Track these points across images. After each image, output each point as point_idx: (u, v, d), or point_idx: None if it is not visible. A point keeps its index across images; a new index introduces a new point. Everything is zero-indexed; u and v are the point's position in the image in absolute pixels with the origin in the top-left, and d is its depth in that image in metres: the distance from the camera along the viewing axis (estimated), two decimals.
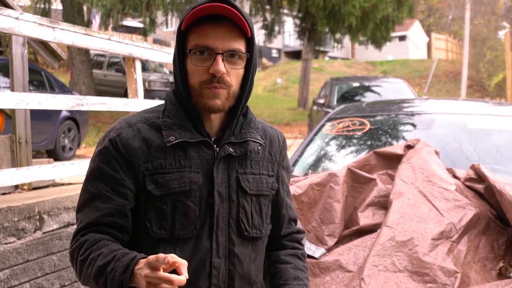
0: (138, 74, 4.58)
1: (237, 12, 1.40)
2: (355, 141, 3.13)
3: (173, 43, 26.07)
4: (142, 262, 1.29)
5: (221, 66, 1.41)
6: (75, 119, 9.39)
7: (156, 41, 24.10)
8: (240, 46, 1.44)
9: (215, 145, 1.48)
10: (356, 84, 12.97)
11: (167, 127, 1.46)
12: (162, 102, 1.59)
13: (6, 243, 3.08)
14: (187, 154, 1.45)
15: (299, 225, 1.77)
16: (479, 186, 2.22)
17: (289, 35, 31.73)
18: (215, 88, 1.42)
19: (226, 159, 1.49)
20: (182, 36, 1.46)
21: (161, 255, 1.23)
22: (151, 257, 1.26)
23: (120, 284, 1.30)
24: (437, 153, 2.45)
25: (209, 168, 1.46)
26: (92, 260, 1.37)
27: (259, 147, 1.55)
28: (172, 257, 1.23)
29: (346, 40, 19.19)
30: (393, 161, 2.47)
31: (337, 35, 16.82)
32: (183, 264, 1.23)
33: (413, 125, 3.25)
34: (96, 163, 1.47)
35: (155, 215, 1.43)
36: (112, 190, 1.43)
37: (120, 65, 16.03)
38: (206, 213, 1.45)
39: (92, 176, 1.47)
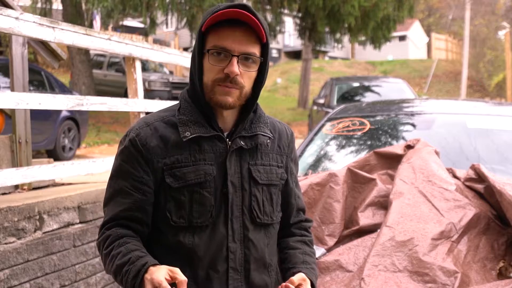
0: (138, 74, 4.58)
1: (254, 19, 1.50)
2: (355, 141, 3.13)
3: (172, 43, 26.08)
4: (152, 270, 1.43)
5: (235, 67, 1.51)
6: (75, 119, 9.39)
7: (156, 41, 24.09)
8: (255, 50, 1.55)
9: (227, 139, 1.59)
10: (356, 84, 12.96)
11: (182, 124, 1.57)
12: (168, 103, 1.66)
13: (6, 243, 3.08)
14: (201, 148, 1.56)
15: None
16: (479, 186, 2.22)
17: (289, 35, 31.70)
18: (226, 87, 1.53)
19: (238, 151, 1.59)
20: (201, 36, 1.56)
21: (164, 283, 1.37)
22: (155, 279, 1.39)
23: (132, 286, 1.45)
24: (437, 153, 2.45)
25: (222, 161, 1.57)
26: (113, 257, 1.51)
27: (268, 141, 1.65)
28: (173, 272, 1.40)
29: (346, 40, 19.17)
30: (393, 161, 2.47)
31: (337, 35, 16.81)
32: (182, 282, 1.39)
33: (413, 125, 3.25)
34: (118, 162, 1.60)
35: (174, 206, 1.55)
36: (132, 187, 1.56)
37: (120, 65, 16.01)
38: (221, 202, 1.57)
39: (115, 173, 1.60)
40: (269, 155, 1.65)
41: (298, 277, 1.55)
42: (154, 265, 1.44)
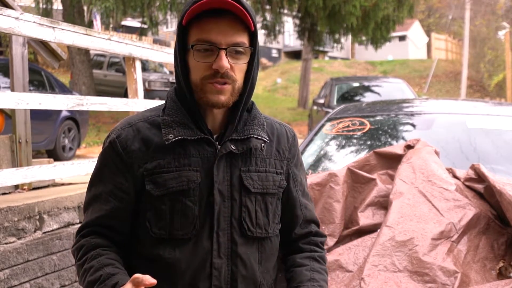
0: (138, 74, 4.58)
1: (239, 6, 1.36)
2: (355, 141, 3.13)
3: (173, 43, 26.07)
4: None
5: (224, 61, 1.37)
6: (75, 119, 9.39)
7: (156, 41, 24.09)
8: (244, 40, 1.41)
9: (217, 143, 1.45)
10: (356, 84, 12.97)
11: (166, 125, 1.43)
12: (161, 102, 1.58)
13: (6, 243, 3.08)
14: (187, 152, 1.42)
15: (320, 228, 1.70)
16: (479, 186, 2.22)
17: (289, 35, 31.70)
18: (217, 84, 1.39)
19: (228, 156, 1.45)
20: (183, 31, 1.42)
21: None
22: None
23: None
24: (437, 153, 2.45)
25: (209, 166, 1.43)
26: (85, 271, 1.41)
27: (262, 144, 1.49)
28: (136, 277, 1.27)
29: (345, 40, 19.18)
30: (393, 161, 2.47)
31: (337, 35, 16.81)
32: (144, 278, 1.26)
33: (413, 125, 3.25)
34: (98, 165, 1.50)
35: (155, 216, 1.42)
36: (110, 193, 1.45)
37: (120, 65, 16.02)
38: (206, 212, 1.42)
39: (95, 177, 1.50)
40: (265, 160, 1.49)
41: None
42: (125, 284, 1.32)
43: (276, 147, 1.54)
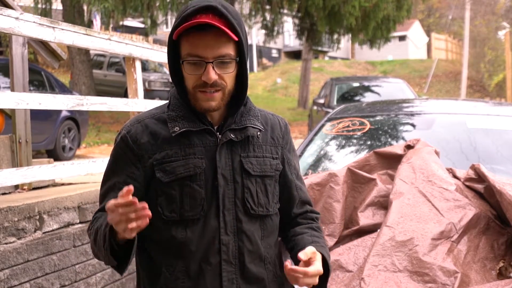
0: (138, 74, 4.58)
1: (219, 25, 1.47)
2: (355, 141, 3.13)
3: None
4: None
5: (212, 74, 1.51)
6: (75, 119, 9.39)
7: (156, 41, 24.07)
8: (229, 50, 1.53)
9: (217, 133, 1.60)
10: (356, 84, 12.98)
11: (171, 119, 1.59)
12: (164, 102, 1.71)
13: (6, 243, 3.08)
14: (191, 143, 1.58)
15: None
16: (479, 186, 2.22)
17: (289, 35, 31.69)
18: (208, 92, 1.54)
19: (229, 144, 1.61)
20: (173, 43, 1.57)
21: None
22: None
23: (106, 225, 1.48)
24: (437, 153, 2.45)
25: (212, 154, 1.59)
26: (94, 241, 1.58)
27: (258, 133, 1.65)
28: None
29: (344, 40, 19.17)
30: (393, 161, 2.47)
31: (337, 35, 16.81)
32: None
33: (413, 125, 3.25)
34: (111, 158, 1.66)
35: (165, 200, 1.58)
36: (124, 182, 1.59)
37: (120, 65, 16.01)
38: (212, 195, 1.58)
39: (109, 169, 1.66)
40: (262, 147, 1.66)
41: (309, 250, 1.51)
42: None
43: (270, 135, 1.70)
